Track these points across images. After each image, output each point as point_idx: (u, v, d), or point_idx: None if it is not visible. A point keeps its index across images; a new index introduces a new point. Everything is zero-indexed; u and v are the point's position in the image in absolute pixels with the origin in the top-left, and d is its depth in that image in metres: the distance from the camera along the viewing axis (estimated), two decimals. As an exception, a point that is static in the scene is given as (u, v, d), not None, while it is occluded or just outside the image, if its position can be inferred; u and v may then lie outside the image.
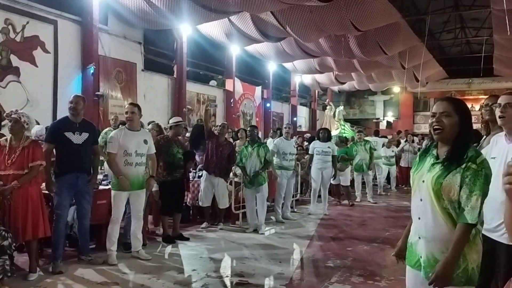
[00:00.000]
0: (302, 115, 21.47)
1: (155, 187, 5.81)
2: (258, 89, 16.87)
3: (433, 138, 2.18)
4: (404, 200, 10.01)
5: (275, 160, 7.47)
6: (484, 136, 3.12)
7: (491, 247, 2.49)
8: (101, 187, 5.42)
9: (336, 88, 21.70)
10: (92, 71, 8.78)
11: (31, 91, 7.83)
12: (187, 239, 5.99)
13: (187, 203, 7.00)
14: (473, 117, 2.25)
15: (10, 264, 3.85)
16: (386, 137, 13.61)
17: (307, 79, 19.44)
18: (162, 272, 4.62)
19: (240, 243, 5.99)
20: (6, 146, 4.22)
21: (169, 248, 5.60)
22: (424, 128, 22.04)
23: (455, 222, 2.02)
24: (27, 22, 7.81)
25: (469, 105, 18.67)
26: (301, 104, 21.56)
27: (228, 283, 4.40)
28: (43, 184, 4.63)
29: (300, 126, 20.15)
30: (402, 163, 12.22)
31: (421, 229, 2.13)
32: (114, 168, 4.89)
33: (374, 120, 25.15)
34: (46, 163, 4.41)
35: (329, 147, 8.15)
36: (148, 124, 6.91)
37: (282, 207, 7.59)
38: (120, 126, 5.91)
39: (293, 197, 8.30)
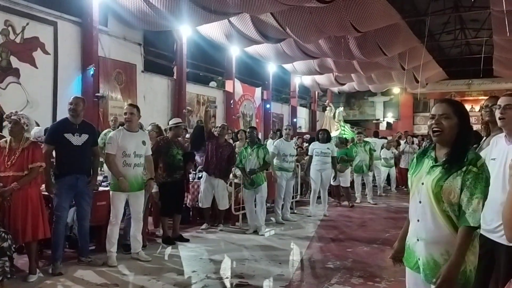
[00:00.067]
0: (302, 116, 21.48)
1: (155, 188, 5.81)
2: (258, 90, 16.87)
3: (432, 140, 2.18)
4: (404, 201, 10.01)
5: (275, 161, 7.46)
6: (484, 137, 3.13)
7: (491, 248, 2.50)
8: (101, 188, 5.41)
9: (336, 89, 21.71)
10: (92, 73, 8.78)
11: (31, 93, 7.83)
12: (187, 240, 5.99)
13: (187, 204, 7.00)
14: (473, 118, 2.26)
15: (10, 265, 3.84)
16: (386, 138, 13.62)
17: (307, 80, 19.45)
18: (162, 273, 4.61)
19: (240, 244, 5.98)
20: (5, 148, 4.22)
21: (169, 250, 5.60)
22: (424, 129, 22.02)
23: (454, 224, 2.03)
24: (27, 24, 7.82)
25: (469, 106, 18.73)
26: (301, 105, 21.56)
27: (228, 284, 4.39)
28: (43, 185, 4.63)
29: (300, 127, 20.15)
30: (402, 164, 12.22)
31: (420, 231, 2.13)
32: (113, 169, 4.89)
33: (374, 121, 25.16)
34: (45, 164, 4.41)
35: (328, 148, 8.14)
36: (150, 125, 6.91)
37: (282, 208, 7.59)
38: (120, 127, 5.91)
39: (292, 198, 8.29)
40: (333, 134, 12.37)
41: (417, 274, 2.17)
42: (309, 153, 8.41)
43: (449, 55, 21.60)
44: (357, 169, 9.81)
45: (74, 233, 5.05)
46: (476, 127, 4.53)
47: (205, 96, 13.69)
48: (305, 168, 8.60)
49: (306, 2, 8.15)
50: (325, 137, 8.30)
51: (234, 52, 14.07)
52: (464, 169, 2.01)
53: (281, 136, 8.10)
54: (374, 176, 10.88)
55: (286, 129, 7.82)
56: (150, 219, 6.38)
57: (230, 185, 7.02)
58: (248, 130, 7.31)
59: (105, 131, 7.38)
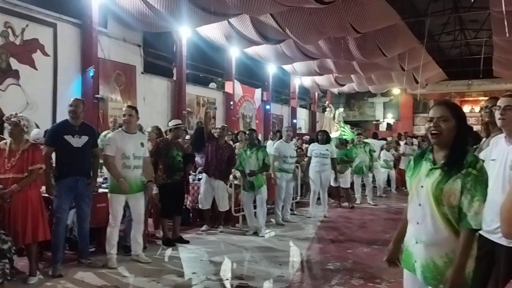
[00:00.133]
0: (302, 117, 21.48)
1: (154, 190, 5.80)
2: (258, 91, 16.88)
3: (430, 142, 2.19)
4: (404, 202, 9.97)
5: (275, 162, 7.46)
6: (484, 138, 3.13)
7: (491, 249, 2.50)
8: (100, 190, 5.41)
9: (335, 90, 21.72)
10: (91, 74, 8.78)
11: (31, 94, 7.83)
12: (187, 242, 5.99)
13: (187, 206, 7.00)
14: (473, 119, 2.26)
15: (10, 267, 3.84)
16: (385, 139, 13.61)
17: (307, 81, 19.45)
18: (162, 275, 4.61)
19: (240, 245, 5.98)
20: (5, 150, 4.22)
21: (169, 251, 5.59)
22: (424, 130, 22.02)
23: (453, 227, 2.04)
24: (27, 25, 7.82)
25: (469, 107, 18.76)
26: (301, 106, 21.57)
27: (228, 286, 4.39)
28: (43, 187, 4.62)
29: (300, 128, 20.16)
30: (402, 166, 12.21)
31: (419, 234, 2.13)
32: (113, 171, 4.88)
33: (374, 122, 25.17)
34: (45, 166, 4.42)
35: (327, 150, 8.14)
36: (150, 127, 6.92)
37: (282, 210, 7.59)
38: (119, 128, 5.91)
39: (292, 199, 8.29)
40: (333, 135, 12.37)
41: (414, 276, 2.18)
42: (308, 154, 8.41)
43: (448, 56, 21.61)
44: (357, 170, 9.81)
45: (74, 235, 5.05)
46: (476, 128, 4.54)
47: (205, 97, 13.70)
48: (304, 169, 8.60)
49: (305, 3, 8.15)
50: (324, 138, 8.29)
51: (234, 53, 14.08)
52: (463, 171, 2.02)
53: (281, 137, 8.10)
54: (374, 177, 10.88)
55: (286, 131, 7.81)
56: (150, 220, 6.38)
57: (230, 186, 7.02)
58: (247, 132, 7.30)
59: (104, 132, 7.38)
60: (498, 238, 2.45)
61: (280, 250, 5.80)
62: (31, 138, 4.91)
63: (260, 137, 13.63)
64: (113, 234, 4.89)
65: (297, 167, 8.30)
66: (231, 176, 7.05)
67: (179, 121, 6.38)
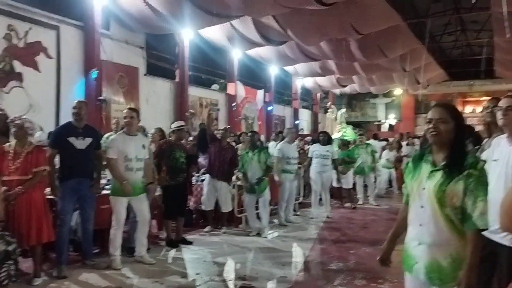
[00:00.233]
0: (304, 118, 21.50)
1: (158, 191, 5.83)
2: (260, 93, 16.90)
3: (427, 143, 2.21)
4: (406, 202, 10.00)
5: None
6: (486, 139, 3.14)
7: (493, 249, 2.51)
8: (104, 191, 5.42)
9: (337, 91, 21.74)
10: (94, 76, 8.81)
11: (34, 97, 7.87)
12: (190, 243, 6.01)
13: (190, 207, 7.02)
14: (475, 120, 2.28)
15: (15, 269, 3.87)
16: (387, 140, 13.61)
17: (309, 82, 19.48)
18: (165, 276, 4.64)
19: (243, 246, 6.00)
20: (10, 152, 4.25)
21: (172, 252, 5.61)
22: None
23: (456, 228, 2.07)
24: (30, 28, 7.86)
25: (470, 108, 18.67)
26: (303, 107, 21.59)
27: (231, 286, 4.41)
28: (47, 189, 4.65)
29: (302, 129, 20.17)
30: (404, 166, 12.18)
31: (422, 235, 2.16)
32: (116, 173, 4.88)
33: (376, 123, 25.16)
34: (49, 168, 4.45)
35: (328, 151, 8.16)
36: (153, 129, 6.95)
37: (284, 211, 7.60)
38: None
39: (295, 200, 8.30)
40: (335, 136, 12.38)
41: (415, 277, 2.21)
42: (309, 155, 8.44)
43: (450, 57, 21.60)
44: (359, 171, 9.81)
45: (78, 236, 5.07)
46: (478, 128, 4.55)
47: (208, 99, 13.73)
48: (304, 169, 8.61)
49: (306, 5, 8.17)
50: (325, 139, 8.31)
51: (236, 54, 14.11)
52: (465, 173, 2.04)
53: (283, 138, 8.12)
54: (375, 178, 10.88)
55: (289, 132, 7.84)
56: (153, 222, 6.40)
57: (233, 187, 7.04)
58: (248, 134, 7.32)
59: (107, 134, 7.41)
60: (500, 238, 2.47)
61: (283, 251, 5.82)
62: (34, 141, 4.95)
63: (262, 138, 13.65)
64: (116, 235, 4.91)
65: (299, 168, 8.32)
66: (234, 177, 7.07)
67: (182, 123, 6.40)
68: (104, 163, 5.07)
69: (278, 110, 18.60)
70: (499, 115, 2.60)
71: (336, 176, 8.69)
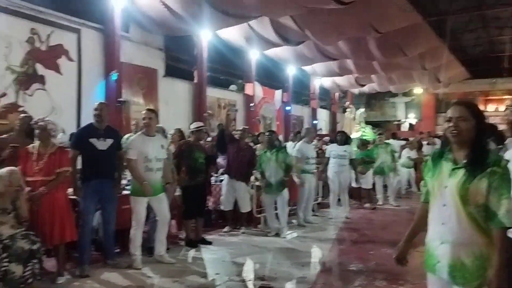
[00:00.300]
0: (323, 118, 21.38)
1: (177, 192, 5.88)
2: (278, 93, 16.87)
3: (447, 142, 2.18)
4: (427, 203, 9.85)
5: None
6: (509, 138, 3.08)
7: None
8: (125, 192, 5.49)
9: (356, 90, 21.55)
10: (114, 78, 8.93)
11: (56, 99, 8.02)
12: (210, 243, 6.04)
13: (209, 207, 7.06)
14: (497, 118, 2.24)
15: (39, 267, 3.96)
16: (407, 139, 13.44)
17: (327, 81, 19.36)
18: (185, 276, 4.67)
19: (262, 247, 6.00)
20: (34, 153, 4.34)
21: (192, 252, 5.66)
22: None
23: (479, 226, 2.05)
24: (52, 31, 8.01)
25: (493, 106, 18.30)
26: (321, 107, 21.47)
27: (251, 287, 4.42)
28: (70, 189, 4.74)
29: (320, 129, 20.06)
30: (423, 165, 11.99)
31: (445, 234, 2.13)
32: (136, 174, 4.93)
33: (396, 122, 24.85)
34: (72, 169, 4.53)
35: (345, 151, 8.11)
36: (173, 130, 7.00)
37: (303, 211, 7.58)
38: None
39: (314, 200, 8.27)
40: (354, 135, 12.29)
41: (438, 277, 2.18)
42: (326, 155, 8.40)
43: (471, 54, 21.18)
44: (378, 171, 9.71)
45: (100, 236, 5.14)
46: (501, 127, 4.45)
47: (226, 99, 13.77)
48: (323, 170, 8.57)
49: (324, 4, 8.14)
50: (343, 139, 8.26)
51: (254, 55, 14.13)
52: (488, 170, 2.02)
53: (301, 138, 8.09)
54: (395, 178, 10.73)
55: (307, 132, 7.82)
56: (173, 222, 6.45)
57: (252, 187, 7.05)
58: (266, 134, 7.32)
59: (127, 135, 7.50)
60: None
61: (302, 251, 5.80)
62: (57, 142, 5.04)
63: (280, 138, 13.64)
64: (136, 235, 4.97)
65: (317, 168, 8.28)
66: (252, 178, 7.08)
67: (201, 124, 6.43)
68: (125, 163, 5.13)
69: (296, 110, 18.54)
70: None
71: (355, 176, 8.62)
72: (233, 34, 11.20)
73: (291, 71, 16.92)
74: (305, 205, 7.57)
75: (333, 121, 22.12)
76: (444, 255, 2.13)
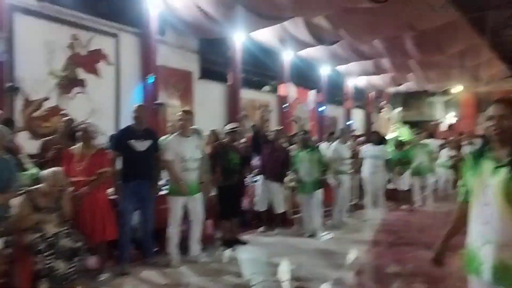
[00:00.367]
0: (357, 118, 21.10)
1: (213, 192, 5.95)
2: (312, 93, 16.78)
3: (488, 140, 2.13)
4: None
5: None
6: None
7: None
8: (162, 192, 5.61)
9: (392, 89, 21.14)
10: (151, 81, 9.12)
11: (96, 102, 8.27)
12: (245, 243, 6.08)
13: (244, 208, 7.10)
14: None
15: (82, 265, 4.10)
16: (446, 139, 13.08)
17: (362, 81, 19.10)
18: (221, 275, 4.73)
19: (297, 247, 5.99)
20: (76, 154, 4.51)
21: (227, 252, 5.71)
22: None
23: None
24: (92, 37, 8.27)
25: (538, 104, 17.37)
26: (356, 107, 21.19)
27: (286, 287, 4.42)
28: (110, 189, 4.88)
29: (355, 129, 19.81)
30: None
31: (488, 234, 2.07)
32: (173, 174, 5.05)
33: (434, 122, 24.20)
34: (112, 170, 4.67)
35: (380, 151, 7.98)
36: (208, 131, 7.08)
37: (338, 212, 7.51)
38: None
39: (349, 202, 8.18)
40: (390, 136, 12.07)
41: (481, 279, 2.11)
42: (360, 156, 8.29)
43: (514, 51, 20.37)
44: (416, 172, 9.49)
45: (139, 235, 5.27)
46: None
47: (259, 100, 13.81)
48: (357, 171, 8.46)
49: (360, 3, 8.04)
50: (378, 139, 8.13)
51: (287, 56, 14.11)
52: None
53: (336, 139, 8.02)
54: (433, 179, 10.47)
55: (342, 132, 7.75)
56: (208, 222, 6.53)
57: (286, 188, 7.05)
58: (300, 133, 7.30)
59: (163, 137, 7.65)
60: None
61: (337, 253, 5.75)
62: (98, 144, 5.21)
63: (314, 139, 13.56)
64: (173, 235, 5.07)
65: (352, 168, 8.18)
66: (286, 178, 7.08)
67: (235, 125, 6.49)
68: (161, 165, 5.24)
69: (330, 110, 18.38)
70: None
71: (391, 177, 8.46)
72: (267, 35, 11.22)
73: (324, 71, 16.79)
74: (340, 206, 7.50)
75: (368, 121, 21.79)
76: (487, 256, 2.07)
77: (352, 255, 5.80)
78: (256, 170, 7.24)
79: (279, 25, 10.21)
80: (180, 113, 5.34)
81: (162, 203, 5.25)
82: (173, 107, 9.95)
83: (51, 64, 7.45)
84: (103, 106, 8.41)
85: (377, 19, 9.06)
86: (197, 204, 5.20)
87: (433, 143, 11.56)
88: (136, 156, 4.82)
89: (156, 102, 9.19)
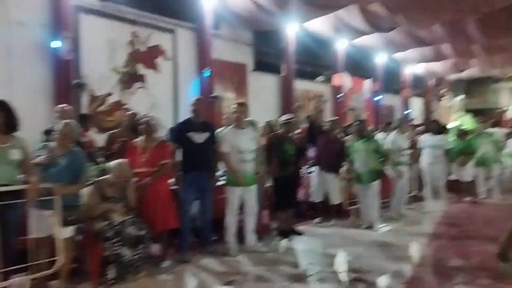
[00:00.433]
0: (416, 107, 20.36)
1: (269, 183, 6.02)
2: (367, 82, 16.39)
3: None
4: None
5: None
6: None
7: None
8: (220, 183, 5.74)
9: (453, 76, 20.19)
10: (207, 75, 9.32)
11: (155, 96, 8.58)
12: (301, 234, 6.11)
13: (300, 199, 7.12)
14: None
15: (146, 252, 4.32)
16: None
17: (420, 68, 18.39)
18: (278, 265, 4.79)
19: (354, 239, 5.95)
20: (139, 147, 4.73)
21: (283, 242, 5.76)
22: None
23: None
24: (150, 33, 8.57)
25: None
26: (414, 95, 20.45)
27: (344, 278, 4.41)
28: (171, 180, 5.07)
29: (413, 119, 19.15)
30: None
31: None
32: (230, 166, 5.17)
33: (499, 110, 22.87)
34: (173, 161, 4.86)
35: (440, 141, 7.68)
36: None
37: (397, 204, 7.34)
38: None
39: (408, 193, 7.96)
40: (451, 125, 11.58)
41: None
42: (419, 145, 8.02)
43: None
44: (480, 162, 9.04)
45: (198, 224, 5.44)
46: None
47: (313, 91, 13.70)
48: (416, 161, 8.19)
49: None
50: (438, 128, 7.83)
51: (341, 45, 13.87)
52: None
53: (393, 129, 7.82)
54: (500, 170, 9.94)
55: (400, 122, 7.55)
56: (265, 212, 6.62)
57: (342, 179, 6.98)
58: (356, 123, 7.18)
59: (219, 129, 7.81)
60: None
61: (395, 245, 5.64)
62: (159, 136, 5.42)
63: (370, 129, 13.28)
64: (231, 224, 5.20)
65: (411, 159, 7.94)
66: (342, 169, 7.00)
67: (290, 116, 6.49)
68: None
69: (387, 99, 17.87)
70: None
71: (451, 167, 8.12)
72: (320, 25, 11.08)
73: (380, 59, 16.34)
74: (399, 197, 7.33)
75: (428, 110, 20.97)
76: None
77: (412, 247, 5.66)
78: (311, 161, 7.22)
79: (333, 14, 10.03)
80: (235, 105, 5.43)
81: (220, 194, 5.39)
82: (228, 99, 10.10)
83: (113, 61, 7.81)
84: (162, 100, 8.71)
85: (437, 2, 8.68)
86: (252, 196, 5.29)
87: (499, 132, 10.95)
88: (195, 148, 4.97)
89: (212, 95, 9.37)
